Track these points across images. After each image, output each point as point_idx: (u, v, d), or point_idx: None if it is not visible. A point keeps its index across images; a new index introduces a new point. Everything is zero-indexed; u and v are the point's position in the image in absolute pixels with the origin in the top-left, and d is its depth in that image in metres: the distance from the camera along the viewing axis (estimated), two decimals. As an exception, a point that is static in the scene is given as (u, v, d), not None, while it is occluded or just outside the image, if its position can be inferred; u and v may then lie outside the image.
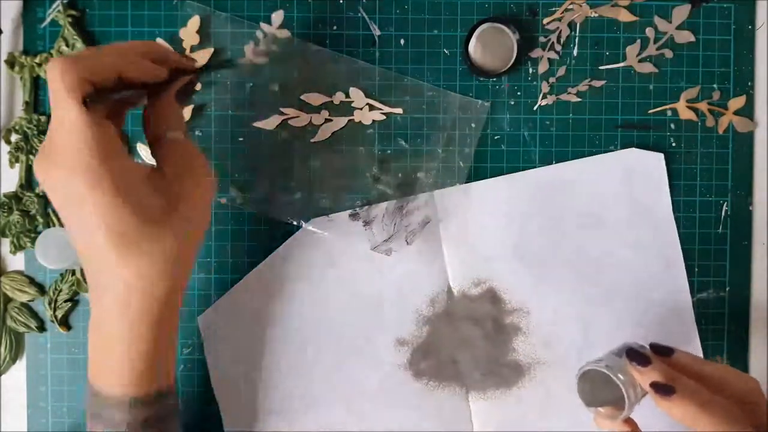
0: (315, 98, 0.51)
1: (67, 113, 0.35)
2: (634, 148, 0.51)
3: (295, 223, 0.51)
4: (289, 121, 0.51)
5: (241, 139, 0.51)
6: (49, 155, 0.36)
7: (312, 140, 0.51)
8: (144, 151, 0.51)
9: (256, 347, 0.51)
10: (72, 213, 0.36)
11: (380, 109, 0.51)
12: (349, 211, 0.51)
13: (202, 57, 0.50)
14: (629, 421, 0.40)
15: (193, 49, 0.50)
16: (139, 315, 0.38)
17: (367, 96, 0.51)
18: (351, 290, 0.51)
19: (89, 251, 0.37)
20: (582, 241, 0.51)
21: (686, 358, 0.41)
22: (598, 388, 0.40)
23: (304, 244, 0.51)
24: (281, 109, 0.51)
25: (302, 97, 0.51)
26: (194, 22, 0.50)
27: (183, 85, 0.42)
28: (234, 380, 0.51)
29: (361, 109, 0.51)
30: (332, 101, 0.51)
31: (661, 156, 0.51)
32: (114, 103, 0.40)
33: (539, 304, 0.51)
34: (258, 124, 0.51)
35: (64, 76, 0.34)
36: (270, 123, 0.51)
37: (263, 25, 0.51)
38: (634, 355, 0.40)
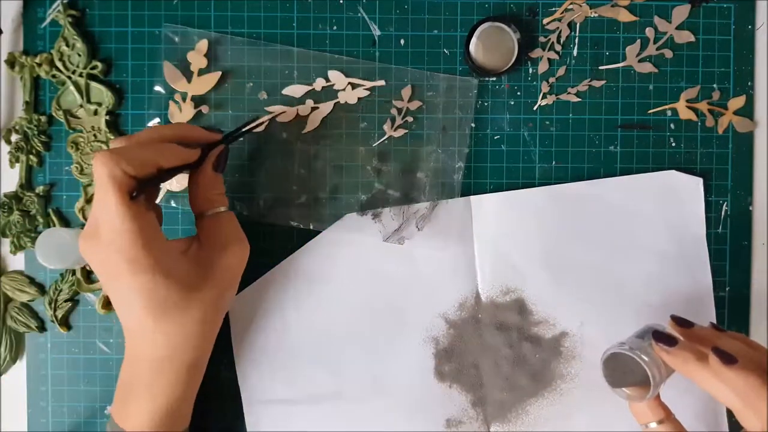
0: (296, 89, 0.51)
1: (112, 207, 0.37)
2: (674, 171, 0.51)
3: (302, 226, 0.51)
4: (277, 119, 0.51)
5: (241, 139, 0.51)
6: (94, 236, 0.39)
7: (303, 131, 0.51)
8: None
9: (280, 337, 0.51)
10: (114, 288, 0.40)
11: (362, 85, 0.51)
12: (367, 212, 0.51)
13: (208, 82, 0.50)
14: (657, 399, 0.42)
15: (200, 72, 0.50)
16: (169, 380, 0.42)
17: (346, 76, 0.51)
18: (379, 289, 0.51)
19: (128, 321, 0.41)
20: (612, 258, 0.51)
21: (704, 331, 0.42)
22: (622, 371, 0.42)
23: (332, 241, 0.51)
24: (266, 108, 0.51)
25: (284, 92, 0.51)
26: (202, 45, 0.50)
27: (216, 156, 0.44)
28: (257, 368, 0.51)
29: (344, 89, 0.51)
30: (314, 89, 0.51)
31: (700, 180, 0.51)
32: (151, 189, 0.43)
33: (566, 318, 0.51)
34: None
35: (111, 173, 0.37)
36: (259, 125, 0.51)
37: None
38: (660, 336, 0.41)
